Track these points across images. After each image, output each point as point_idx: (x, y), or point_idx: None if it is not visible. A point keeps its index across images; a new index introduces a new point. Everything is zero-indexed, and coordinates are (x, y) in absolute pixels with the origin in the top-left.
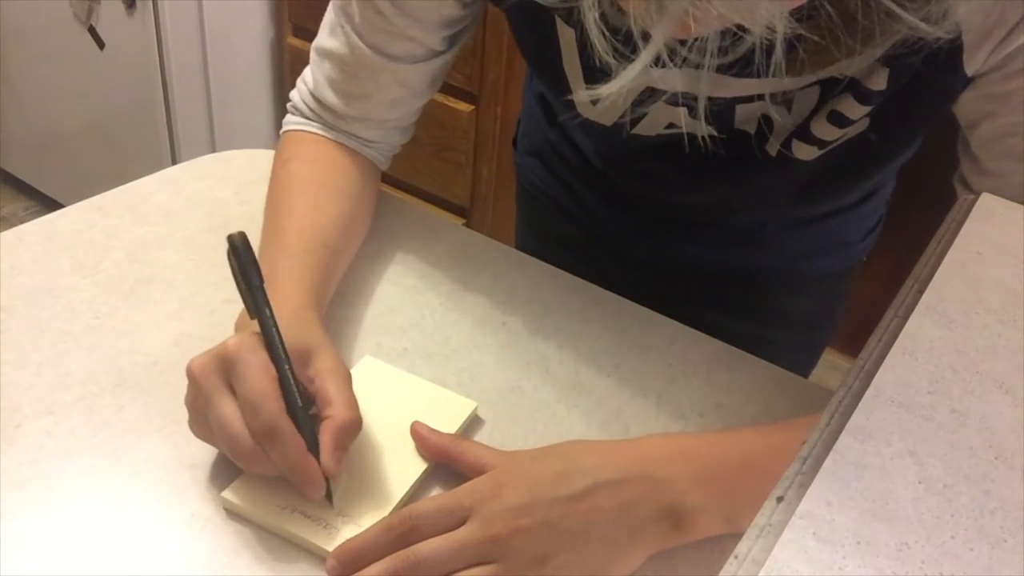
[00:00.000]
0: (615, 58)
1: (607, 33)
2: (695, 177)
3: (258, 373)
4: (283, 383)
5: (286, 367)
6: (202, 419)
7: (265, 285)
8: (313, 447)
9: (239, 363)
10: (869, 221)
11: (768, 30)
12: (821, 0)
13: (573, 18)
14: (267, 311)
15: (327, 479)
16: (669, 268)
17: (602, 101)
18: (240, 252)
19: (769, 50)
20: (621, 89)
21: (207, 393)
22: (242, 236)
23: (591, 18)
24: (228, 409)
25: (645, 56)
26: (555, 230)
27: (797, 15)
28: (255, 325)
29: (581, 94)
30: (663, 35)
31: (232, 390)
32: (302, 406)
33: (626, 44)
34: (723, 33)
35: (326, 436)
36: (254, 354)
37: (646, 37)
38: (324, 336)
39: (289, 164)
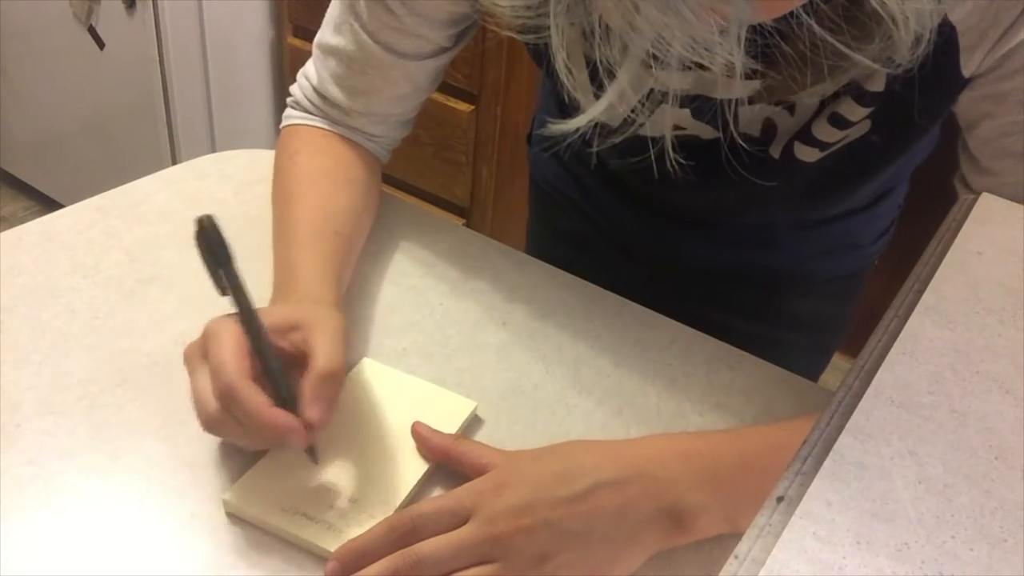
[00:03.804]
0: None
1: (574, 72)
2: (701, 178)
3: (224, 343)
4: (254, 345)
5: (255, 325)
6: None
7: (282, 275)
8: (291, 404)
9: (211, 338)
10: (881, 224)
11: (727, 67)
12: (775, 39)
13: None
14: (236, 280)
15: (312, 437)
16: (679, 267)
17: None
18: (208, 232)
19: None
20: (588, 124)
21: (189, 371)
22: (209, 218)
23: (559, 59)
24: (201, 382)
25: (611, 93)
26: (567, 227)
27: (752, 53)
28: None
29: (564, 123)
30: (627, 74)
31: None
32: (277, 367)
33: (594, 80)
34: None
35: (305, 388)
36: (226, 328)
37: (612, 74)
38: (331, 310)
39: (297, 157)
